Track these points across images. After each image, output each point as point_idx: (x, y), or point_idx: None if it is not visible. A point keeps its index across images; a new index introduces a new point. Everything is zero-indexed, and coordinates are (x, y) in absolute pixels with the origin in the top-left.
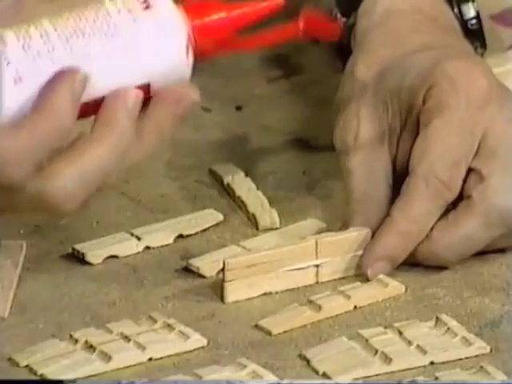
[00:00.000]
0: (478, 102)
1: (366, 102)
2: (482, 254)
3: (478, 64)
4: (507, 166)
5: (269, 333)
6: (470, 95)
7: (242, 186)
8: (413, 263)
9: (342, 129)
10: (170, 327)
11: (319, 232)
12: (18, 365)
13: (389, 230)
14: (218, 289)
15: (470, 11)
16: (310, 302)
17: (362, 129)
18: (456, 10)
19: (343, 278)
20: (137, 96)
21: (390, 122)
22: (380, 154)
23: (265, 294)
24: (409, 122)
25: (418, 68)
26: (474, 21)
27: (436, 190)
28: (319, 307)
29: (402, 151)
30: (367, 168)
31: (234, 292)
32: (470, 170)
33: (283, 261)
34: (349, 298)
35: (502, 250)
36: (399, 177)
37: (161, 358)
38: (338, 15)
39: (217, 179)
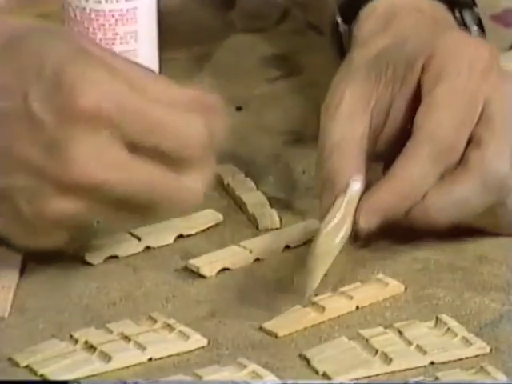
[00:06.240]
0: (479, 71)
1: (359, 76)
2: (481, 253)
3: (477, 37)
4: (506, 134)
5: (275, 335)
6: (471, 64)
7: (242, 186)
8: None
9: (329, 96)
10: (170, 327)
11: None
12: (18, 365)
13: (386, 186)
14: (217, 289)
15: (472, 18)
16: (313, 303)
17: (347, 95)
18: (458, 14)
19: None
20: None
21: (379, 91)
22: (360, 120)
23: (265, 295)
24: (402, 92)
25: (417, 39)
26: (475, 27)
27: (439, 153)
28: (323, 308)
29: (393, 120)
30: (344, 131)
31: None
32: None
33: None
34: (351, 298)
35: (501, 251)
36: (389, 144)
37: (161, 358)
38: (341, 24)
39: (217, 179)
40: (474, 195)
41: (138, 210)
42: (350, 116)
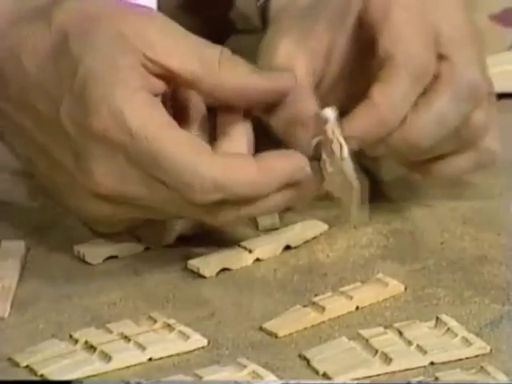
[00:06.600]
0: None
1: (292, 27)
2: (481, 253)
3: None
4: (469, 43)
5: (275, 335)
6: None
7: None
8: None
9: (263, 51)
10: (170, 327)
11: (320, 232)
12: (18, 365)
13: (368, 112)
14: (217, 289)
15: None
16: (313, 303)
17: (283, 44)
18: None
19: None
20: None
21: (316, 36)
22: (302, 61)
23: (265, 295)
24: (342, 33)
25: None
26: None
27: (416, 74)
28: (323, 308)
29: (336, 61)
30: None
31: None
32: None
33: None
34: (351, 298)
35: (501, 251)
36: (333, 86)
37: (161, 358)
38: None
39: None
40: (450, 107)
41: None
42: (289, 61)
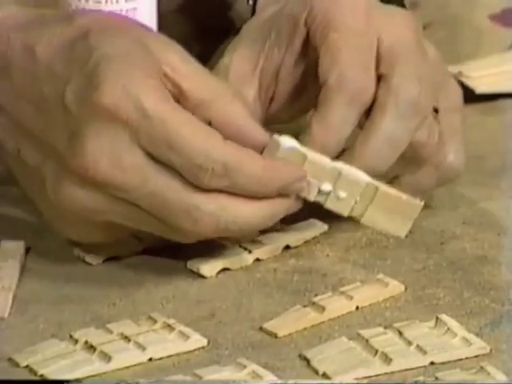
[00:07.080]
0: (362, 11)
1: (246, 41)
2: (481, 253)
3: None
4: (405, 61)
5: (274, 335)
6: (352, 7)
7: None
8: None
9: (219, 61)
10: (170, 327)
11: (320, 232)
12: (17, 365)
13: (307, 141)
14: (217, 289)
15: None
16: (313, 303)
17: (234, 59)
18: None
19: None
20: None
21: (265, 54)
22: (250, 83)
23: (265, 295)
24: (290, 52)
25: (294, 0)
26: None
27: (352, 96)
28: (323, 308)
29: (284, 79)
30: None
31: None
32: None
33: None
34: (351, 298)
35: (501, 251)
36: (283, 103)
37: (161, 358)
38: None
39: None
40: (395, 126)
41: (154, 218)
42: (240, 79)
